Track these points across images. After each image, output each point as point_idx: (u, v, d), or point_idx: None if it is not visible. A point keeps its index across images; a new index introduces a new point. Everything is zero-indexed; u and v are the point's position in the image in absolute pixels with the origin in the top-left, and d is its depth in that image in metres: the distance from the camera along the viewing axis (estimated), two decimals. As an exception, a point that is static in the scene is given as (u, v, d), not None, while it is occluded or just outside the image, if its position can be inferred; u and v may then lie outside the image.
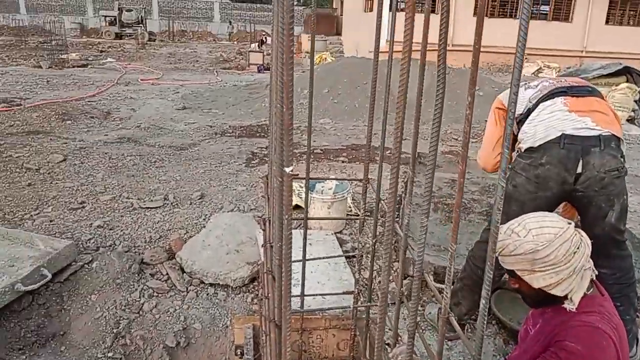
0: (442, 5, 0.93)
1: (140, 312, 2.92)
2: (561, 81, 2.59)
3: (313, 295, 2.00)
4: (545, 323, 1.70)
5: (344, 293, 2.02)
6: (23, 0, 33.02)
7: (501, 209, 0.95)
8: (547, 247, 1.55)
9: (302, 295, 1.95)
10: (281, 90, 0.79)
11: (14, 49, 18.70)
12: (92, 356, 2.71)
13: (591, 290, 1.65)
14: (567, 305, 1.63)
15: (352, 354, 2.14)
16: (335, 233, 3.69)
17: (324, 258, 2.25)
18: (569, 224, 1.62)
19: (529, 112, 2.57)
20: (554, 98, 2.48)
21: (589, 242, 1.65)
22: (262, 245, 2.59)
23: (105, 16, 29.36)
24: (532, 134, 2.47)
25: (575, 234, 1.60)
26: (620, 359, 1.57)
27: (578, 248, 1.58)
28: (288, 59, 0.72)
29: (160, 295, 3.04)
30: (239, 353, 2.08)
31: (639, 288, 2.90)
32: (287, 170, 0.80)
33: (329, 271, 3.17)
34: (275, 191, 1.16)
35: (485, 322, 1.05)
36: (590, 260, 1.65)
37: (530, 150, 2.48)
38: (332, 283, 3.01)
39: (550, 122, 2.45)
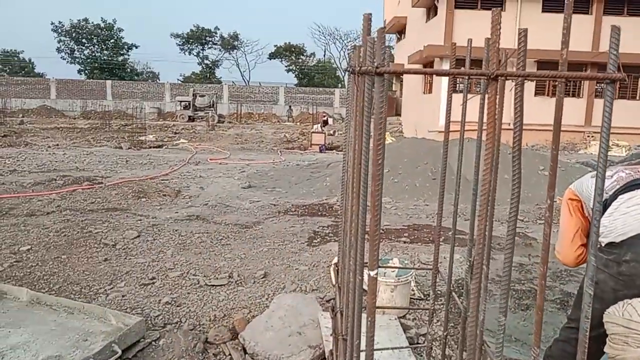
0: (516, 87, 0.97)
1: (203, 395, 2.92)
2: (638, 171, 2.51)
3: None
4: None
5: (410, 385, 1.95)
6: (110, 88, 36.54)
7: (589, 306, 0.92)
8: None
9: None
10: (364, 193, 0.85)
11: (99, 132, 20.50)
12: None
13: None
14: None
15: None
16: (398, 318, 3.60)
17: (391, 349, 2.20)
18: None
19: (605, 203, 2.48)
20: (633, 190, 2.39)
21: None
22: (331, 334, 2.60)
23: (181, 101, 31.88)
24: (612, 228, 2.37)
25: None
26: None
27: None
28: (375, 173, 0.79)
29: (222, 379, 3.04)
30: None
31: None
32: (372, 274, 0.84)
33: (393, 359, 3.06)
34: (351, 287, 1.19)
35: None
36: None
37: (611, 245, 2.37)
38: (395, 372, 2.90)
39: (632, 215, 2.35)
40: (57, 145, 15.74)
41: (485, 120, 1.08)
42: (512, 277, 3.61)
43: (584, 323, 0.89)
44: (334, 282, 2.06)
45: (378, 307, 2.66)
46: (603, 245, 2.38)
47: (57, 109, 34.74)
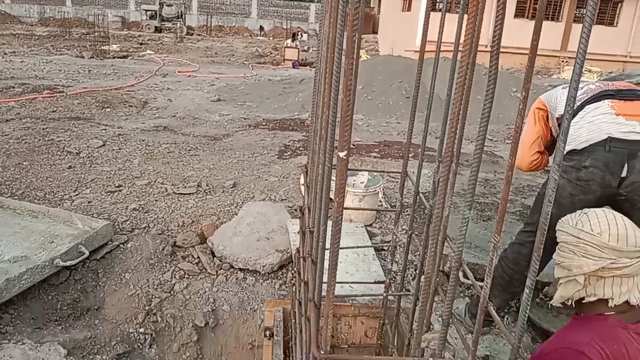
0: (498, 5, 0.91)
1: (172, 292, 2.98)
2: (608, 84, 2.52)
3: (342, 282, 2.01)
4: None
5: (375, 282, 2.02)
6: (69, -7, 34.06)
7: (550, 203, 0.92)
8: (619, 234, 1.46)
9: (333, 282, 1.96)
10: (337, 77, 0.80)
11: (58, 39, 19.33)
12: (124, 331, 2.79)
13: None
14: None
15: (379, 342, 2.14)
16: (365, 226, 3.69)
17: (354, 247, 2.25)
18: None
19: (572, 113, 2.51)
20: (600, 100, 2.41)
21: None
22: (298, 232, 2.62)
23: (147, 10, 30.06)
24: (576, 136, 2.41)
25: None
26: None
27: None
28: (352, 40, 0.73)
29: (191, 277, 3.10)
30: (268, 334, 2.10)
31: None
32: (342, 155, 0.81)
33: (357, 262, 3.17)
34: (319, 178, 1.17)
35: (528, 308, 1.03)
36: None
37: (572, 152, 2.42)
38: (360, 274, 3.01)
39: (596, 124, 2.38)
40: (14, 52, 14.83)
41: (462, 40, 1.01)
42: (477, 191, 3.68)
43: (545, 207, 0.89)
44: (302, 182, 2.05)
45: (345, 208, 2.68)
46: (564, 153, 2.43)
47: (12, 14, 32.40)
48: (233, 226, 3.40)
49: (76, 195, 4.03)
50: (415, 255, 3.19)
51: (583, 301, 1.56)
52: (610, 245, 1.46)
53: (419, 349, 0.95)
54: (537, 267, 0.99)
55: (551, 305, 1.65)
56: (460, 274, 3.07)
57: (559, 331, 1.65)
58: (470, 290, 3.18)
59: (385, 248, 3.51)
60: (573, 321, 1.64)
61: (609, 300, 1.50)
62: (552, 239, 1.70)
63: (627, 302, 1.50)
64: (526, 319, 1.00)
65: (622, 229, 1.49)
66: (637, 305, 1.50)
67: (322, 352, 0.92)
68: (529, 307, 1.03)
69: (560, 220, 1.63)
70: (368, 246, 3.00)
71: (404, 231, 3.63)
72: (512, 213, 4.13)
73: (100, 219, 3.46)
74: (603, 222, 1.53)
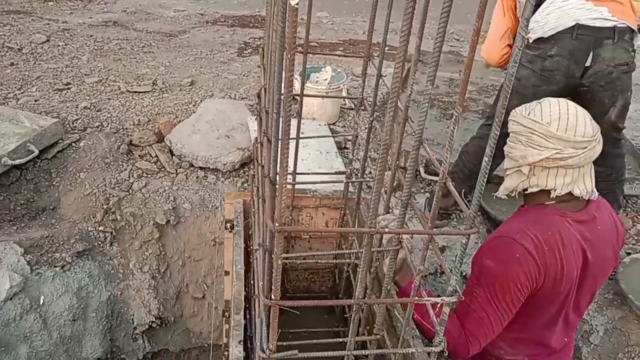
0: None
1: (130, 191, 2.92)
2: None
3: (303, 174, 1.97)
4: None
5: (336, 173, 2.00)
6: None
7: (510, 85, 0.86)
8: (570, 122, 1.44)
9: (294, 172, 1.92)
10: None
11: None
12: (82, 229, 2.75)
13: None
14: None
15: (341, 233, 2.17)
16: (328, 124, 3.63)
17: (316, 137, 2.20)
18: None
19: (539, 1, 2.41)
20: None
21: None
22: (256, 118, 2.54)
23: None
24: (543, 23, 2.33)
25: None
26: (543, 273, 1.46)
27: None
28: None
29: (149, 175, 3.03)
30: (228, 227, 2.09)
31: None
32: (293, 3, 0.72)
33: (320, 160, 3.15)
34: (275, 21, 1.07)
35: (483, 188, 1.01)
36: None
37: (539, 40, 2.36)
38: (322, 171, 3.00)
39: (564, 10, 2.30)
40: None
41: None
42: (441, 90, 3.63)
43: (500, 110, 0.84)
44: (259, 64, 1.93)
45: (308, 96, 2.57)
46: (531, 41, 2.37)
47: None
48: (191, 124, 3.28)
49: (21, 93, 3.77)
50: (377, 152, 3.19)
51: (526, 192, 1.57)
52: (557, 135, 1.44)
53: (375, 220, 0.93)
54: (492, 153, 0.95)
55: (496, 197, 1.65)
56: (421, 169, 3.10)
57: (503, 222, 1.69)
58: (431, 186, 3.24)
59: (348, 147, 3.49)
60: (516, 212, 1.66)
61: (551, 192, 1.50)
62: (507, 136, 1.69)
63: (570, 193, 1.51)
64: (482, 192, 0.99)
65: (573, 119, 1.46)
66: (581, 197, 1.52)
67: (277, 225, 0.88)
68: (485, 180, 1.01)
69: (512, 111, 1.59)
70: (329, 136, 2.96)
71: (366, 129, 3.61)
72: (475, 112, 4.14)
73: (49, 117, 3.27)
74: (554, 111, 1.48)
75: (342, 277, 2.24)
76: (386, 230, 0.98)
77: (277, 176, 0.92)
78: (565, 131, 1.43)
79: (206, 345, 3.07)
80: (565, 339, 1.74)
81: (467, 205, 1.04)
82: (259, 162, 1.38)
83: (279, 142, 0.88)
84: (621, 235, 1.68)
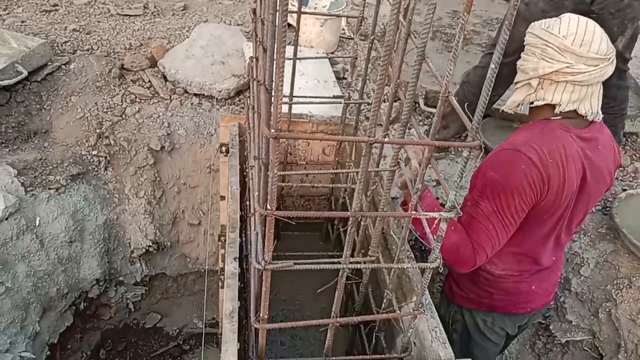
0: None
1: (123, 116, 2.86)
2: None
3: (299, 97, 1.92)
4: None
5: (333, 97, 1.95)
6: None
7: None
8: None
9: (291, 96, 1.87)
10: None
11: None
12: (76, 153, 2.71)
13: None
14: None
15: (337, 159, 2.15)
16: (327, 53, 3.52)
17: (313, 58, 2.13)
18: None
19: None
20: None
21: None
22: (250, 35, 2.45)
23: None
24: None
25: None
26: (547, 184, 1.47)
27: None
28: None
29: (142, 101, 2.96)
30: (223, 150, 2.06)
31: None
32: None
33: (318, 89, 3.07)
34: None
35: (486, 101, 0.97)
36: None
37: None
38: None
39: None
40: None
41: None
42: (444, 22, 3.49)
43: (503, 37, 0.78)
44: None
45: (306, 12, 2.46)
46: None
47: None
48: (185, 49, 3.17)
49: (7, 14, 3.61)
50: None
51: (532, 105, 1.58)
52: (571, 49, 1.42)
53: (374, 130, 0.90)
54: (493, 78, 0.90)
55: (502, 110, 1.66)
56: (421, 101, 3.03)
57: (507, 138, 1.68)
58: (430, 119, 3.19)
59: (346, 77, 3.41)
60: (520, 127, 1.67)
61: (556, 107, 1.51)
62: (513, 65, 1.64)
63: (575, 111, 1.51)
64: (485, 107, 0.96)
65: (589, 35, 1.44)
66: (586, 116, 1.52)
67: (273, 131, 0.85)
68: (487, 99, 0.98)
69: (531, 24, 1.56)
70: (324, 57, 2.87)
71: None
72: (478, 45, 4.02)
73: (37, 38, 3.14)
74: (572, 25, 1.46)
75: (338, 204, 2.25)
76: (385, 140, 0.95)
77: (273, 83, 0.88)
78: (580, 46, 1.41)
79: (202, 271, 3.13)
80: (554, 258, 1.79)
81: (470, 119, 1.01)
82: (254, 77, 1.33)
83: (275, 42, 0.83)
84: (617, 162, 1.70)
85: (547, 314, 2.63)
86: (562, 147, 1.49)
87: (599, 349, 2.41)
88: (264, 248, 1.08)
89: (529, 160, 1.45)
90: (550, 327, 2.59)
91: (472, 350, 1.94)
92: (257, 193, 1.05)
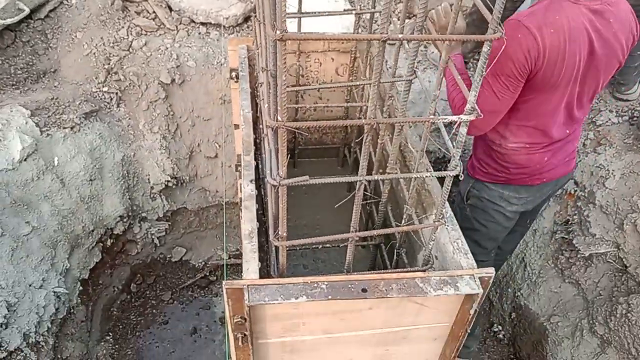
0: None
1: (130, 50, 2.78)
2: None
3: (310, 14, 1.81)
4: None
5: (345, 11, 1.84)
6: None
7: None
8: None
9: (299, 11, 1.77)
10: None
11: None
12: (87, 91, 2.68)
13: None
14: None
15: (350, 78, 2.07)
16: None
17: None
18: None
19: None
20: None
21: None
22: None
23: None
24: None
25: None
26: (543, 54, 1.53)
27: None
28: None
29: (149, 33, 2.87)
30: (234, 76, 2.00)
31: None
32: None
33: (330, 7, 2.93)
34: None
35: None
36: None
37: None
38: (330, 18, 2.81)
39: None
40: None
41: None
42: None
43: None
44: None
45: None
46: None
47: None
48: (188, -25, 3.03)
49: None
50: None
51: None
52: None
53: (387, 26, 0.83)
54: None
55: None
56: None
57: None
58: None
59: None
60: (530, 6, 1.69)
61: None
62: None
63: None
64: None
65: None
66: None
67: (279, 32, 0.79)
68: None
69: None
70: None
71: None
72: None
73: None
74: None
75: (354, 127, 2.19)
76: (399, 36, 0.88)
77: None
78: None
79: (223, 203, 3.16)
80: (567, 131, 1.84)
81: (490, 10, 0.93)
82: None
83: None
84: (635, 37, 1.68)
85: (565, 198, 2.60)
86: (567, 18, 1.51)
87: (623, 260, 2.40)
88: (278, 163, 1.05)
89: (526, 30, 1.51)
90: (574, 242, 2.57)
91: (482, 222, 2.09)
92: (266, 105, 1.01)
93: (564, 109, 1.72)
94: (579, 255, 2.57)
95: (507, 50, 1.49)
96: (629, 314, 2.25)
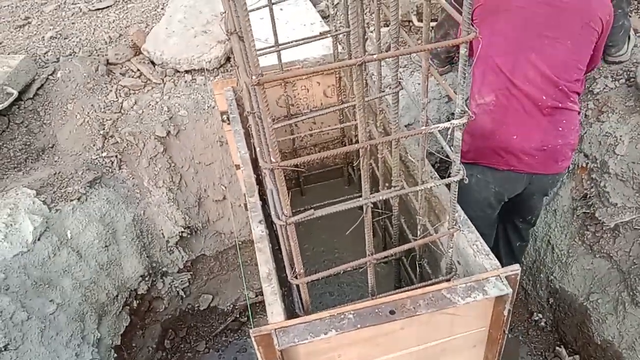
0: None
1: (122, 111, 2.82)
2: None
3: (286, 43, 1.82)
4: None
5: (320, 34, 1.84)
6: None
7: None
8: None
9: (276, 43, 1.78)
10: None
11: None
12: (87, 159, 2.71)
13: None
14: None
15: (340, 98, 2.07)
16: (307, -5, 3.37)
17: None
18: None
19: None
20: None
21: None
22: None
23: None
24: None
25: None
26: None
27: None
28: None
29: (136, 91, 2.90)
30: (225, 119, 2.01)
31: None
32: None
33: (306, 33, 2.95)
34: None
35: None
36: None
37: None
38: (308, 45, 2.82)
39: None
40: None
41: None
42: None
43: None
44: None
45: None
46: None
47: None
48: (164, 27, 3.07)
49: (-18, 40, 3.56)
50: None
51: None
52: None
53: (361, 49, 0.82)
54: None
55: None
56: (414, 18, 2.87)
57: None
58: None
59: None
60: None
61: None
62: None
63: None
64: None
65: None
66: None
67: (254, 77, 0.79)
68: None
69: None
70: None
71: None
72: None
73: (17, 55, 3.10)
74: None
75: (353, 144, 2.18)
76: (374, 56, 0.87)
77: (242, 27, 0.81)
78: None
79: (240, 243, 3.15)
80: (543, 97, 1.86)
81: (459, 11, 0.92)
82: (227, 30, 1.25)
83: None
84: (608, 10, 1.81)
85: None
86: None
87: (651, 224, 2.34)
88: (281, 203, 1.04)
89: None
90: (596, 215, 2.51)
91: (468, 212, 2.03)
92: (258, 149, 1.00)
93: (524, 52, 1.77)
94: (604, 228, 2.52)
95: None
96: (668, 278, 2.18)
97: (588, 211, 2.61)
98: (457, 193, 1.13)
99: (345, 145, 2.31)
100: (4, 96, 2.72)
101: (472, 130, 1.91)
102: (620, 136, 2.44)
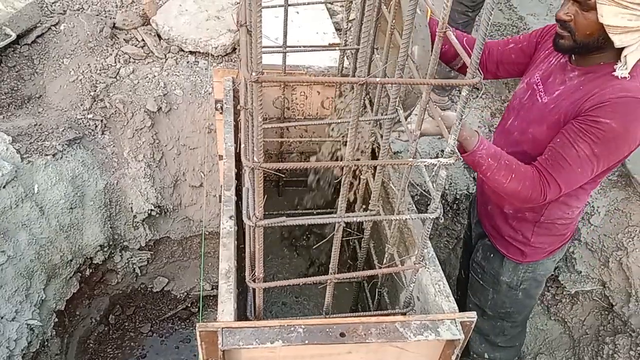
0: None
1: (117, 77, 2.77)
2: None
3: (293, 47, 1.82)
4: (574, 87, 1.48)
5: (329, 45, 1.85)
6: None
7: None
8: None
9: (284, 45, 1.77)
10: None
11: None
12: (71, 117, 2.65)
13: None
14: (618, 71, 1.38)
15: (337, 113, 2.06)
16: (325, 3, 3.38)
17: (305, 3, 2.02)
18: None
19: None
20: None
21: None
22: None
23: None
24: None
25: None
26: None
27: None
28: None
29: (137, 61, 2.87)
30: (219, 107, 1.99)
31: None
32: None
33: (316, 41, 2.95)
34: None
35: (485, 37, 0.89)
36: None
37: None
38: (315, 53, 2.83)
39: None
40: None
41: None
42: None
43: None
44: None
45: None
46: None
47: None
48: (178, 4, 3.05)
49: (-7, -24, 3.48)
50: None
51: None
52: None
53: (365, 68, 0.82)
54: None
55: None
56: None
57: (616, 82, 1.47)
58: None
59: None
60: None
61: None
62: None
63: None
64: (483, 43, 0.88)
65: None
66: None
67: (254, 74, 0.78)
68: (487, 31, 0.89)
69: None
70: (320, 2, 2.72)
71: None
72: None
73: (24, 0, 3.03)
74: None
75: (339, 159, 2.17)
76: (377, 79, 0.87)
77: (252, 22, 0.80)
78: None
79: (207, 233, 3.11)
80: None
81: (468, 55, 0.92)
82: (238, 22, 1.24)
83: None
84: None
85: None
86: None
87: (609, 298, 2.37)
88: (254, 203, 1.03)
89: None
90: (559, 278, 2.55)
91: (535, 296, 2.00)
92: (243, 145, 0.99)
93: None
94: (564, 293, 2.55)
95: (632, 136, 1.39)
96: (615, 355, 2.21)
97: (552, 273, 2.64)
98: (430, 229, 1.13)
99: (332, 159, 2.31)
100: (1, 36, 2.66)
101: (566, 229, 1.82)
102: (598, 207, 2.48)
